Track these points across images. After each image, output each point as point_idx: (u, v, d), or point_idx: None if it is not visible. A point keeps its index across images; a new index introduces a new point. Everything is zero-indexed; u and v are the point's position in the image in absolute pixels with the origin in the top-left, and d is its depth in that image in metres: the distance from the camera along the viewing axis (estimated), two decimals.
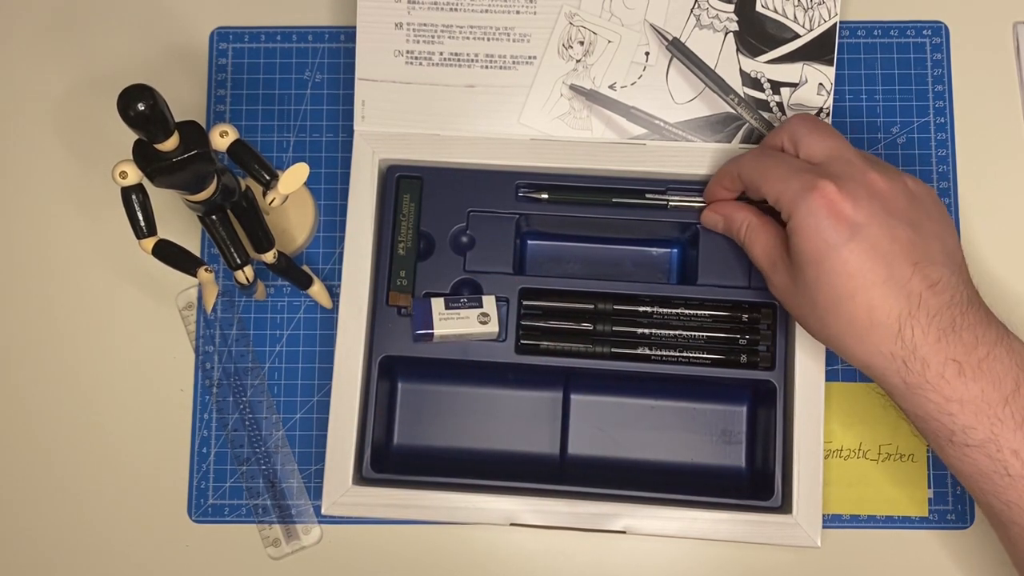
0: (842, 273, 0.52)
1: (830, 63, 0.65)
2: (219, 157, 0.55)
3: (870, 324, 0.52)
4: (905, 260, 0.52)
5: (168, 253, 0.56)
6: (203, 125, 0.53)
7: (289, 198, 0.57)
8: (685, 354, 0.64)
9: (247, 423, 0.67)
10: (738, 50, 0.65)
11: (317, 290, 0.66)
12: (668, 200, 0.64)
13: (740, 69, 0.65)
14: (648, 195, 0.64)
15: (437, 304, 0.62)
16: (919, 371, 0.52)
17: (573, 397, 0.66)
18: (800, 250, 0.53)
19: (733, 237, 0.61)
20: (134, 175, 0.53)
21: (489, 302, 0.63)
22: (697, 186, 0.64)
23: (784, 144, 0.58)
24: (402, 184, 0.65)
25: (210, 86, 0.71)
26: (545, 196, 0.64)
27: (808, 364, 0.62)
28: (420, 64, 0.65)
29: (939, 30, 0.70)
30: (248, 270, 0.60)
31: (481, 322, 0.62)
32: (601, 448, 0.66)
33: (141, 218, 0.55)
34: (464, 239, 0.65)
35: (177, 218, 0.64)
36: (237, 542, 0.67)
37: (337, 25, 0.71)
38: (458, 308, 0.62)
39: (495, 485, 0.62)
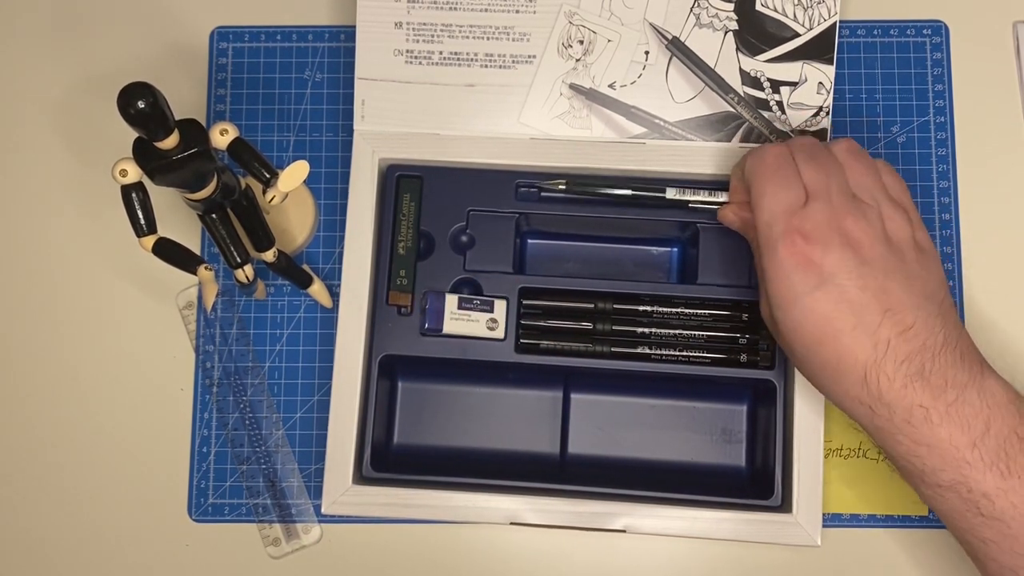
0: (809, 321, 0.52)
1: (830, 62, 0.65)
2: (219, 155, 0.55)
3: (838, 370, 0.53)
4: (876, 308, 0.52)
5: (168, 251, 0.56)
6: (203, 124, 0.53)
7: (289, 197, 0.57)
8: (685, 353, 0.64)
9: (247, 422, 0.67)
10: (738, 49, 0.65)
11: (317, 289, 0.66)
12: (688, 200, 0.63)
13: (740, 68, 0.65)
14: (669, 189, 0.63)
15: (450, 302, 0.63)
16: (885, 416, 0.52)
17: (573, 396, 0.66)
18: (771, 294, 0.54)
19: (748, 239, 0.61)
20: (134, 173, 0.53)
21: (500, 308, 0.63)
22: (703, 186, 0.64)
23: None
24: (402, 183, 0.65)
25: (210, 85, 0.71)
26: (563, 186, 0.63)
27: None
28: (420, 63, 0.65)
29: (939, 29, 0.70)
30: (248, 269, 0.60)
31: (489, 328, 0.62)
32: (601, 447, 0.66)
33: (141, 216, 0.55)
34: (464, 238, 0.65)
35: (177, 216, 0.64)
36: (237, 541, 0.67)
37: (337, 24, 0.71)
38: (470, 310, 0.62)
39: (495, 484, 0.62)
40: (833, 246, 0.52)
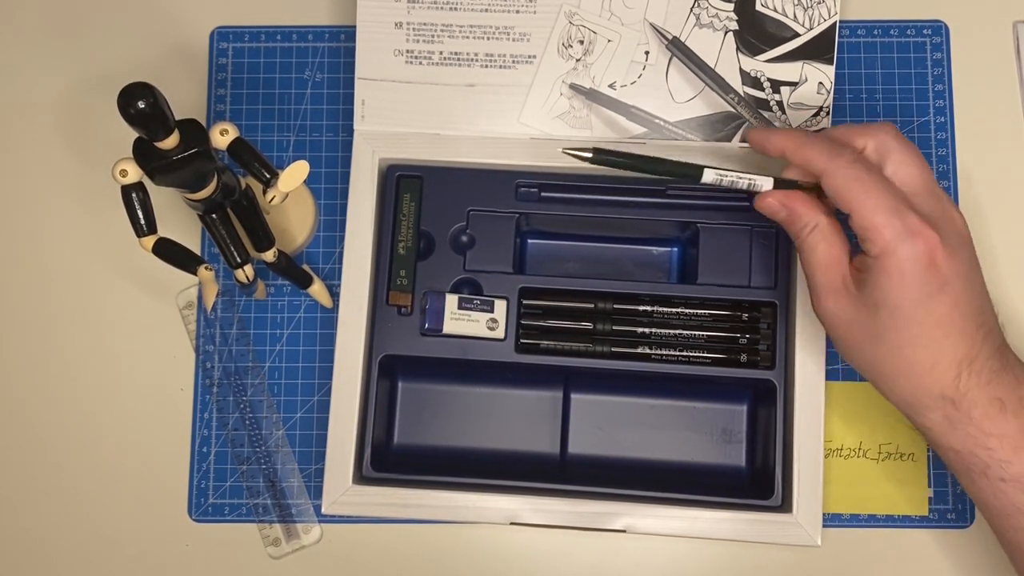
0: (924, 323, 0.52)
1: (830, 62, 0.65)
2: (219, 155, 0.55)
3: (932, 369, 0.53)
4: (976, 311, 0.53)
5: (168, 251, 0.56)
6: (203, 124, 0.53)
7: (289, 197, 0.57)
8: (685, 353, 0.64)
9: (247, 422, 0.67)
10: (738, 49, 0.65)
11: (317, 289, 0.66)
12: (723, 175, 0.56)
13: (740, 68, 0.65)
14: (708, 171, 0.56)
15: (450, 303, 0.63)
16: (966, 410, 0.53)
17: (573, 396, 0.66)
18: (887, 293, 0.52)
19: (790, 232, 0.56)
20: (134, 173, 0.53)
21: (500, 308, 0.63)
22: (702, 186, 0.63)
23: (868, 151, 0.54)
24: (402, 183, 0.65)
25: (210, 86, 0.71)
26: (589, 155, 0.56)
27: (808, 363, 0.62)
28: (420, 63, 0.65)
29: (939, 29, 0.70)
30: (248, 269, 0.60)
31: (489, 328, 0.62)
32: (601, 447, 0.66)
33: (141, 216, 0.55)
34: (464, 238, 0.65)
35: (177, 217, 0.64)
36: (237, 541, 0.67)
37: (337, 24, 0.71)
38: (470, 310, 0.62)
39: (495, 484, 0.62)
40: (955, 247, 0.52)
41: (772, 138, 0.56)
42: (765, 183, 0.56)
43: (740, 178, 0.55)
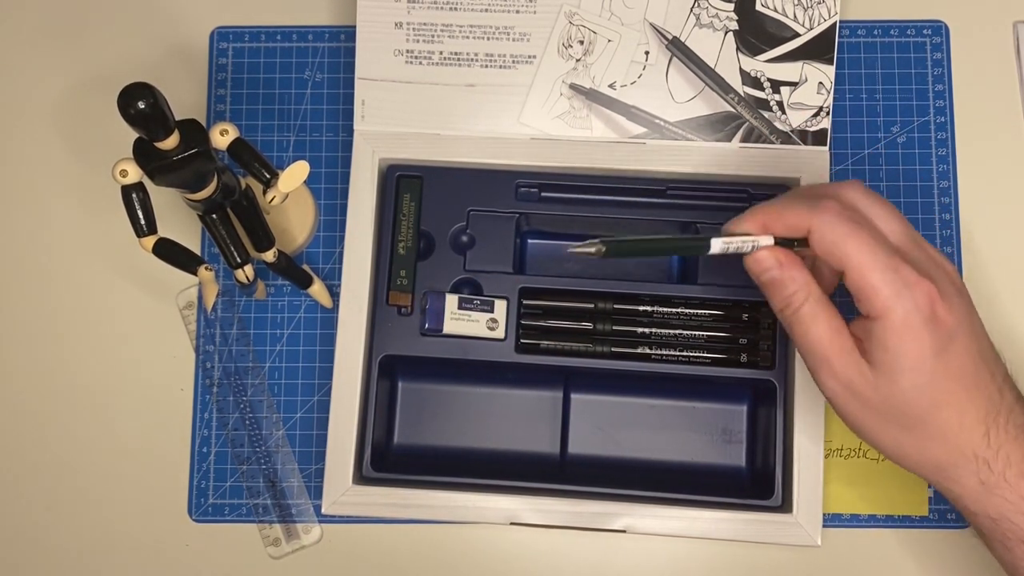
0: (942, 381, 0.50)
1: (830, 62, 0.65)
2: (219, 156, 0.55)
3: (960, 428, 0.50)
4: (987, 361, 0.51)
5: (168, 251, 0.56)
6: (203, 124, 0.53)
7: (289, 197, 0.57)
8: (685, 353, 0.64)
9: (247, 422, 0.67)
10: (738, 49, 0.65)
11: (317, 289, 0.66)
12: (730, 242, 0.52)
13: (740, 68, 0.65)
14: (715, 242, 0.52)
15: (451, 302, 0.63)
16: (1000, 471, 0.50)
17: (573, 396, 0.66)
18: (900, 355, 0.49)
19: (778, 298, 0.53)
20: (134, 173, 0.53)
21: (500, 308, 0.63)
22: (702, 186, 0.64)
23: None
24: (402, 183, 0.65)
25: (210, 86, 0.71)
26: (594, 250, 0.50)
27: None
28: (420, 63, 0.65)
29: (939, 30, 0.70)
30: (248, 269, 0.60)
31: (489, 328, 0.63)
32: (601, 447, 0.66)
33: (141, 216, 0.55)
34: (464, 238, 0.65)
35: (177, 217, 0.64)
36: (237, 542, 0.67)
37: (337, 24, 0.71)
38: (470, 310, 0.62)
39: (495, 484, 0.62)
40: (952, 296, 0.50)
41: (745, 223, 0.53)
42: (767, 242, 0.52)
43: (745, 242, 0.52)
